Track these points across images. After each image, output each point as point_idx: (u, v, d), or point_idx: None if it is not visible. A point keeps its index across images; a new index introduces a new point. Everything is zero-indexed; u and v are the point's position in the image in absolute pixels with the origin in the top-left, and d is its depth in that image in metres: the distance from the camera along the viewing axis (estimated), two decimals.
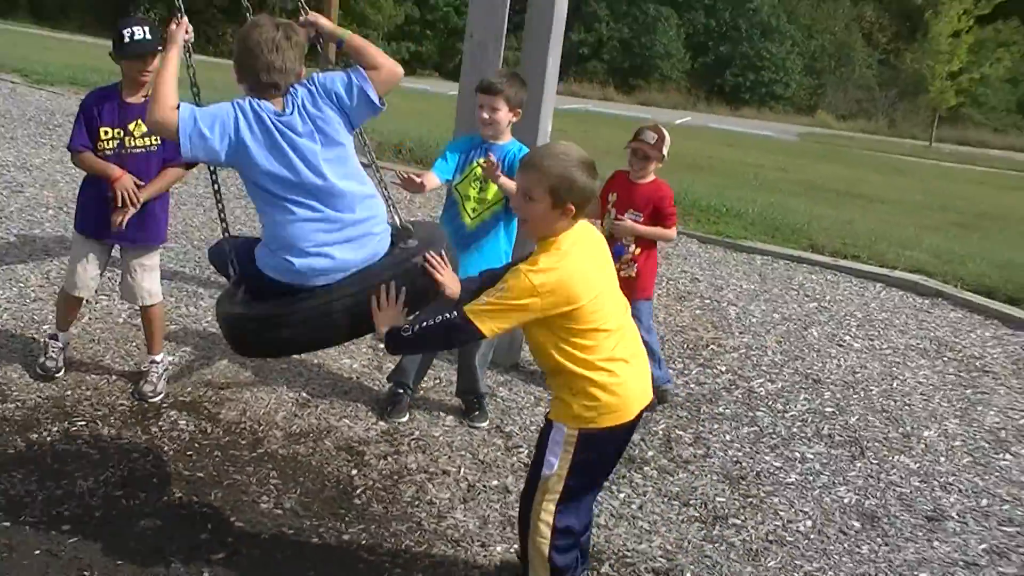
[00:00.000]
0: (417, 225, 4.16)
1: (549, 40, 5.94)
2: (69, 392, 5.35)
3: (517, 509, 3.89)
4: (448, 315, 3.47)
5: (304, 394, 5.65)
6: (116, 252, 5.48)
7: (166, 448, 4.91)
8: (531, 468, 3.81)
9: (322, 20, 4.12)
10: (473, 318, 3.43)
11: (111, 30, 5.25)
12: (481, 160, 5.21)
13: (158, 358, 5.55)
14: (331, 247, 3.81)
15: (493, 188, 5.27)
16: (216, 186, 4.16)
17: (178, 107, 3.67)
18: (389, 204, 4.13)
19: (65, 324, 5.63)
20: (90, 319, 6.34)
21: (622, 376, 3.56)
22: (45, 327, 5.97)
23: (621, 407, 3.58)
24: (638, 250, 5.87)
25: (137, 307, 5.64)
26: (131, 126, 5.19)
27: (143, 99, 5.16)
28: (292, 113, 3.79)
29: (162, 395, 5.41)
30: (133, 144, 5.20)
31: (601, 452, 3.68)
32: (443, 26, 54.97)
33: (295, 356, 6.05)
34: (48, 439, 4.86)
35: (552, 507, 3.63)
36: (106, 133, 5.16)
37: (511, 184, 5.05)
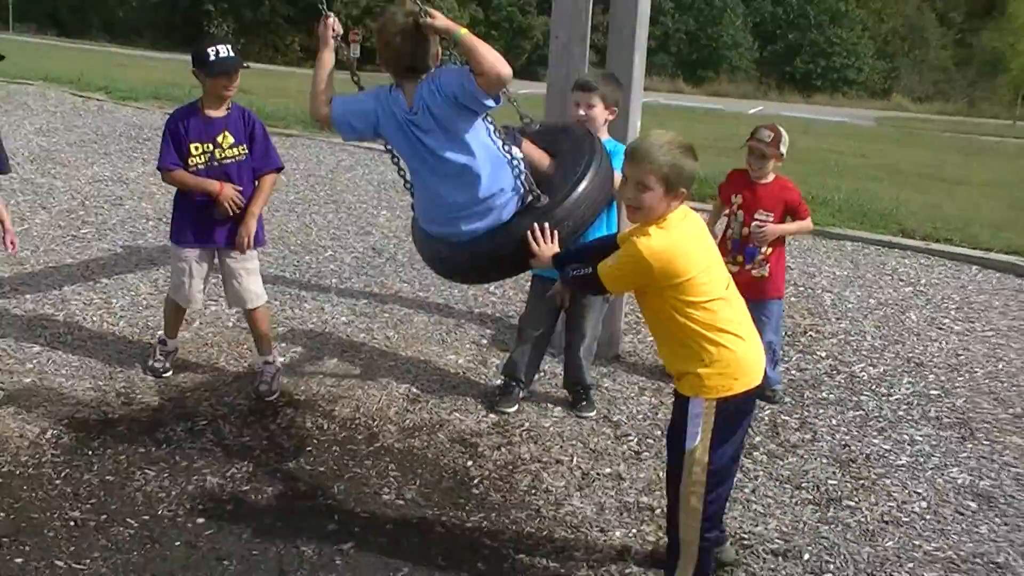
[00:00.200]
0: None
1: (635, 38, 5.99)
2: (189, 394, 5.52)
3: (634, 496, 3.97)
4: (587, 270, 3.81)
5: (414, 389, 5.76)
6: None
7: (286, 444, 5.05)
8: (671, 452, 3.87)
9: (439, 17, 4.15)
10: (601, 276, 3.74)
11: (190, 48, 5.45)
12: None
13: (270, 358, 5.70)
14: (448, 224, 4.36)
15: None
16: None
17: (330, 102, 4.39)
18: (521, 174, 4.30)
19: (174, 331, 5.83)
20: (201, 324, 6.53)
21: (747, 340, 3.73)
22: (160, 332, 6.14)
23: (751, 370, 3.72)
24: (770, 250, 5.87)
25: (243, 311, 5.81)
26: (219, 138, 5.39)
27: (226, 112, 5.42)
28: (417, 113, 4.17)
29: (277, 393, 5.56)
30: (223, 156, 5.40)
31: (737, 419, 3.77)
32: (508, 26, 55.10)
33: (403, 353, 6.20)
34: (175, 438, 5.02)
35: (703, 478, 3.70)
36: (196, 148, 5.35)
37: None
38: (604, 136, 5.37)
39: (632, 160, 3.69)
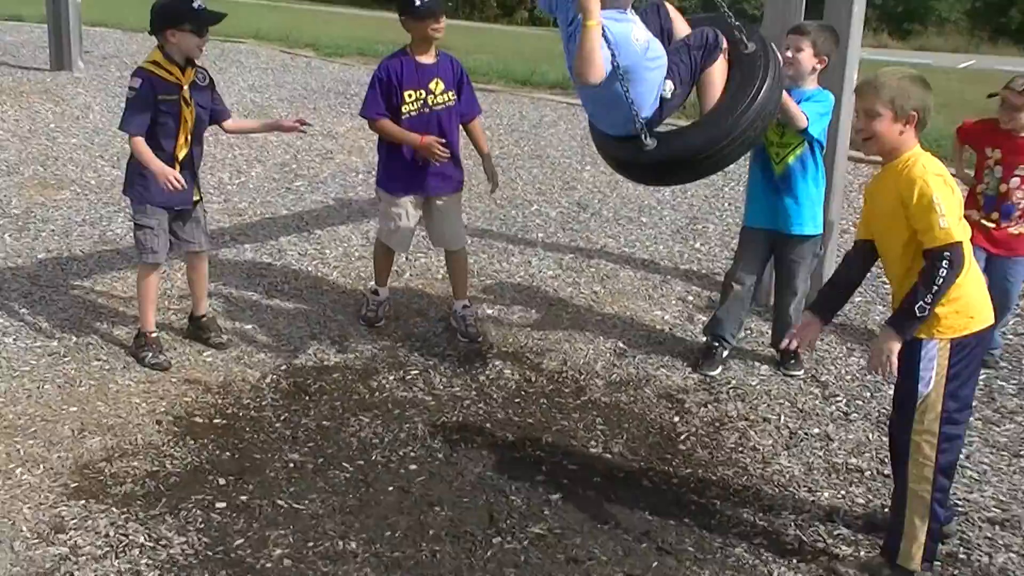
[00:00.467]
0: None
1: None
2: (400, 344, 5.65)
3: (842, 457, 3.92)
4: (938, 263, 3.47)
5: (621, 344, 5.77)
6: None
7: (495, 395, 5.13)
8: (900, 397, 3.77)
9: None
10: (957, 238, 3.48)
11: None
12: None
13: (467, 302, 5.83)
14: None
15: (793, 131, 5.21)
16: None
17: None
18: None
19: (383, 279, 5.98)
20: (411, 275, 6.66)
21: (979, 278, 3.73)
22: (371, 283, 6.30)
23: (985, 308, 3.69)
24: None
25: (445, 254, 5.95)
26: (431, 85, 5.46)
27: (435, 59, 5.51)
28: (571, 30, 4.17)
29: (480, 335, 5.69)
30: (435, 102, 5.48)
31: (972, 361, 3.68)
32: None
33: (609, 309, 6.23)
34: (387, 386, 5.17)
35: (935, 427, 3.62)
36: (410, 96, 5.42)
37: (792, 107, 4.99)
38: (811, 85, 5.23)
39: (857, 92, 3.73)
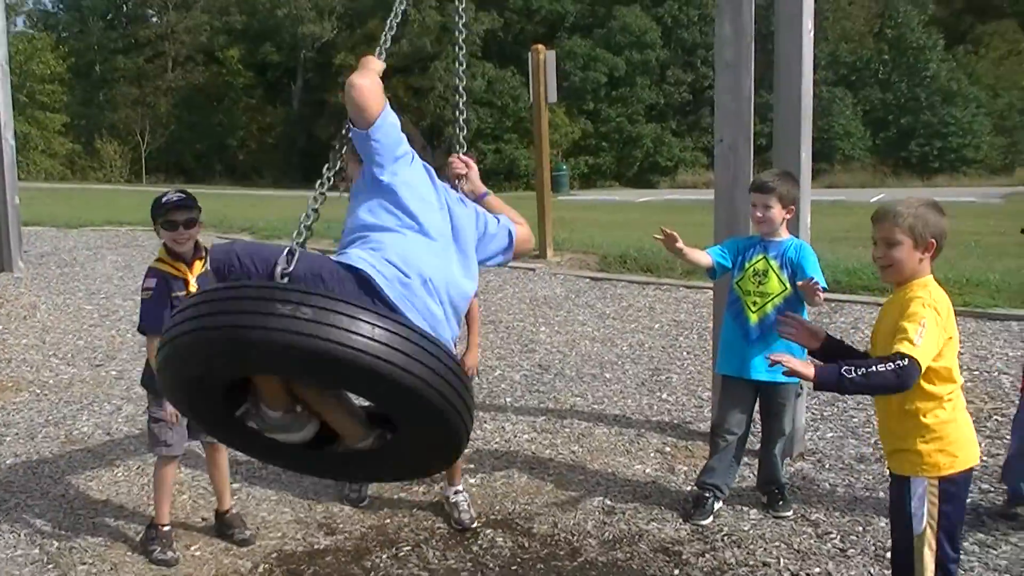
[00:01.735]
0: None
1: (800, 135, 6.08)
2: (388, 520, 5.62)
3: None
4: (898, 363, 3.44)
5: (608, 501, 5.78)
6: None
7: (491, 565, 5.10)
8: (895, 531, 3.83)
9: (474, 172, 4.33)
10: (919, 356, 3.46)
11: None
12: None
13: (460, 487, 5.74)
14: None
15: (773, 280, 5.36)
16: None
17: None
18: None
19: None
20: None
21: (965, 416, 3.78)
22: None
23: (970, 448, 3.74)
24: None
25: None
26: None
27: None
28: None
29: (476, 520, 5.61)
30: None
31: (962, 499, 3.75)
32: (618, 136, 55.62)
33: (590, 467, 6.26)
34: (381, 565, 5.12)
35: (933, 564, 3.67)
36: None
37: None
38: (784, 235, 5.42)
39: (877, 220, 3.77)
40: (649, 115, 57.01)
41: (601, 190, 49.30)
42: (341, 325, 3.02)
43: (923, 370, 3.49)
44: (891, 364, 3.45)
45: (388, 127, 3.82)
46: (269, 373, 3.43)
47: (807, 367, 3.53)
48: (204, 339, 3.13)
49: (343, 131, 3.94)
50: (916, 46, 55.39)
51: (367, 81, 3.80)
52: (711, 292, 9.94)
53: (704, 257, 5.50)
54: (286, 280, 3.32)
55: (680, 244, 5.29)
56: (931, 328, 3.53)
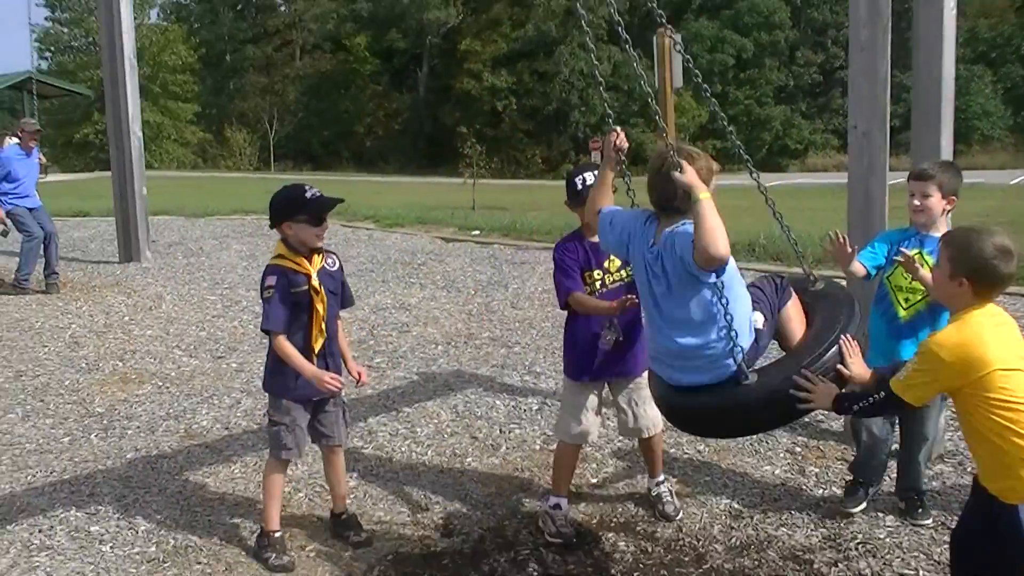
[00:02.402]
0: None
1: (940, 119, 5.76)
2: (507, 522, 5.46)
3: None
4: (876, 396, 3.70)
5: (735, 505, 5.54)
6: None
7: (612, 570, 4.92)
8: (988, 559, 3.60)
9: (687, 172, 4.00)
10: (896, 390, 3.59)
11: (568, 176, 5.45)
12: (897, 256, 5.02)
13: (661, 478, 5.58)
14: (664, 367, 4.30)
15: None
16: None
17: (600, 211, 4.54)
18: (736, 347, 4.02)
19: (566, 486, 5.45)
20: (508, 448, 6.50)
21: None
22: (468, 460, 6.17)
23: None
24: None
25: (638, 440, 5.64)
26: (606, 263, 5.26)
27: None
28: (655, 254, 4.15)
29: (680, 513, 5.45)
30: (611, 280, 5.27)
31: None
32: (746, 119, 54.82)
33: (718, 467, 6.03)
34: (499, 570, 4.96)
35: None
36: (593, 276, 5.23)
37: (930, 278, 4.85)
38: (943, 229, 5.07)
39: (945, 244, 3.68)
40: (778, 97, 56.09)
41: (729, 174, 48.51)
42: None
43: (907, 400, 3.59)
44: (874, 395, 3.73)
45: None
46: None
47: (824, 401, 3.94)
48: None
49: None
50: None
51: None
52: (842, 281, 9.62)
53: (860, 269, 5.24)
54: None
55: (853, 255, 5.11)
56: (928, 367, 3.53)
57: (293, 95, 63.75)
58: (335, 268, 5.22)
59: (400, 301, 10.77)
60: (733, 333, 3.97)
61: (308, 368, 4.91)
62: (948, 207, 5.10)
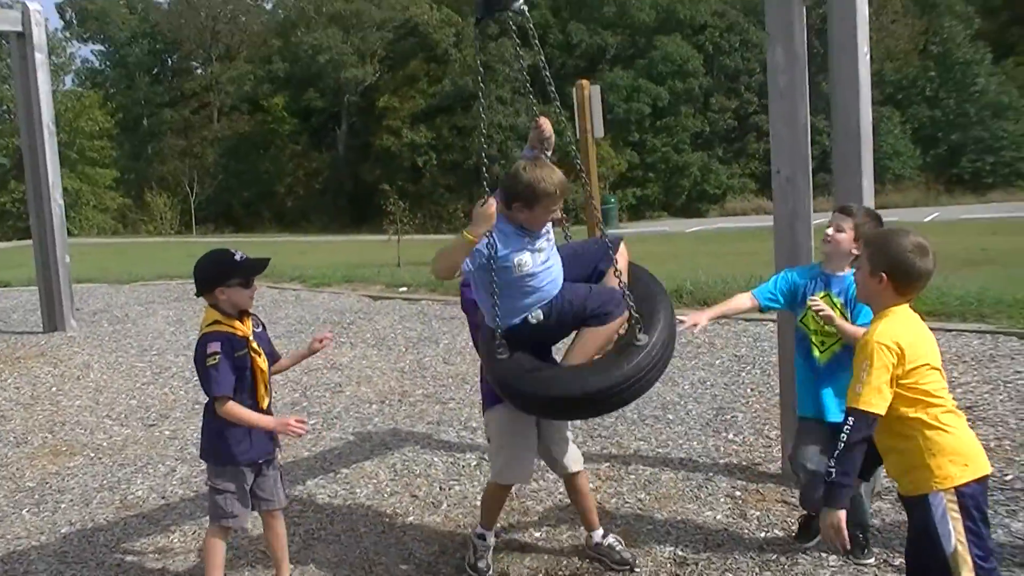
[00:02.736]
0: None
1: (860, 162, 5.88)
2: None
3: None
4: (847, 429, 3.68)
5: (679, 552, 5.53)
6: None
7: None
8: (924, 563, 3.73)
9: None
10: (864, 407, 3.65)
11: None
12: (809, 302, 5.10)
13: (601, 529, 5.53)
14: None
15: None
16: None
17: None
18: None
19: (494, 520, 5.57)
20: (448, 506, 6.46)
21: (964, 426, 3.77)
22: (409, 519, 6.13)
23: (979, 455, 3.74)
24: None
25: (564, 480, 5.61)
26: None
27: None
28: None
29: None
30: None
31: (980, 509, 3.67)
32: (664, 166, 55.47)
33: (659, 515, 6.04)
34: None
35: None
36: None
37: (849, 328, 4.95)
38: (845, 271, 5.16)
39: (864, 245, 4.04)
40: (695, 143, 56.80)
41: (650, 221, 49.11)
42: None
43: (875, 410, 3.64)
44: (844, 429, 3.69)
45: None
46: None
47: (838, 524, 3.74)
48: None
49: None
50: (963, 61, 54.74)
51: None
52: (771, 324, 9.74)
53: (743, 302, 5.41)
54: None
55: (705, 322, 5.23)
56: (879, 365, 3.65)
57: (212, 157, 63.28)
58: (260, 329, 5.20)
59: (331, 361, 10.70)
60: (496, 311, 4.81)
61: (269, 420, 4.94)
62: (855, 251, 5.08)
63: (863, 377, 3.64)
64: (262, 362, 5.02)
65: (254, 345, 4.99)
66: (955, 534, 3.55)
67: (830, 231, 5.17)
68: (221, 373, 4.87)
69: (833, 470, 3.68)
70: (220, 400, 4.88)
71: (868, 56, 5.87)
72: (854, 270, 4.00)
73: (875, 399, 3.63)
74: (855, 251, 5.11)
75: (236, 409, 4.87)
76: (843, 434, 3.67)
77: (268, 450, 5.08)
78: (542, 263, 4.80)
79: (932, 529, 3.60)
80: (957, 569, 3.55)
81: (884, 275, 3.73)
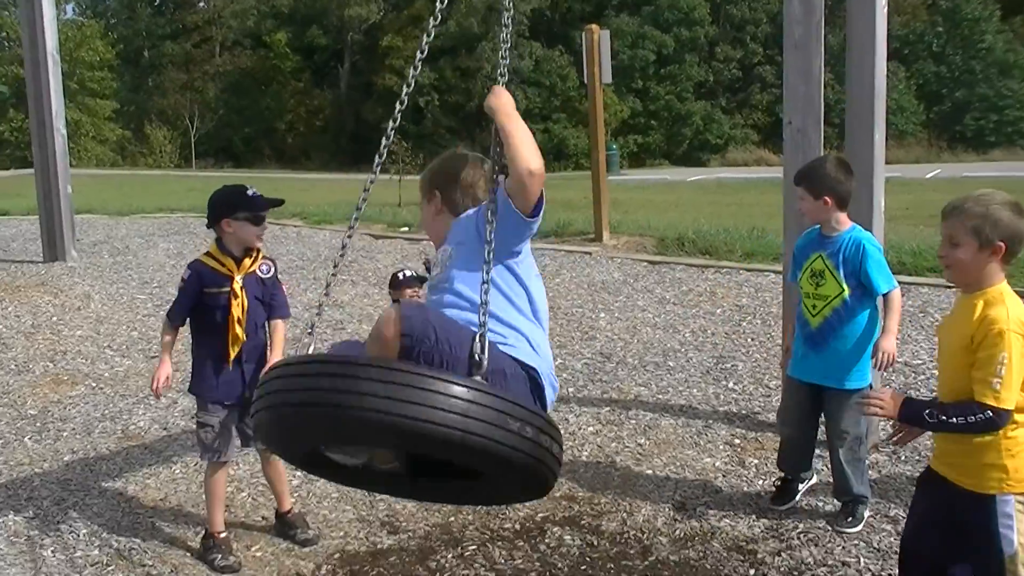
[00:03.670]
0: None
1: (873, 116, 5.86)
2: (452, 519, 5.47)
3: None
4: (978, 416, 3.35)
5: (678, 497, 5.61)
6: None
7: (559, 564, 4.95)
8: (975, 563, 3.52)
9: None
10: (1005, 406, 3.33)
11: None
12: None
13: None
14: None
15: (830, 282, 5.07)
16: None
17: None
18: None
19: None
20: None
21: None
22: None
23: None
24: None
25: None
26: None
27: None
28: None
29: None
30: None
31: None
32: (666, 115, 55.31)
33: (658, 460, 6.08)
34: (447, 566, 4.99)
35: None
36: None
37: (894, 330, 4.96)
38: (841, 228, 5.10)
39: (943, 215, 3.51)
40: (698, 93, 56.60)
41: (651, 169, 49.00)
42: (544, 444, 3.04)
43: (1011, 408, 3.33)
44: (979, 416, 3.35)
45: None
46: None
47: (892, 408, 3.52)
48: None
49: (392, 119, 3.64)
50: (971, 17, 54.43)
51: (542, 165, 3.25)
52: (772, 275, 9.77)
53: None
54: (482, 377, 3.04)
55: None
56: (1016, 361, 3.31)
57: (213, 92, 63.00)
58: (268, 275, 5.19)
59: (333, 298, 10.70)
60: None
61: (160, 362, 5.14)
62: (826, 206, 5.02)
63: (1000, 372, 3.30)
64: (236, 307, 5.03)
65: (235, 287, 5.01)
66: (1019, 536, 3.41)
67: (797, 207, 5.22)
68: (178, 301, 5.11)
69: (941, 422, 3.42)
70: (164, 323, 5.18)
71: (886, 8, 5.84)
72: (943, 252, 3.49)
73: (1014, 397, 3.34)
74: (826, 207, 5.03)
75: (163, 337, 5.18)
76: (975, 420, 3.35)
77: (236, 393, 5.08)
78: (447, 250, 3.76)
79: (993, 529, 3.44)
80: (1016, 571, 3.42)
81: (1003, 244, 3.38)
